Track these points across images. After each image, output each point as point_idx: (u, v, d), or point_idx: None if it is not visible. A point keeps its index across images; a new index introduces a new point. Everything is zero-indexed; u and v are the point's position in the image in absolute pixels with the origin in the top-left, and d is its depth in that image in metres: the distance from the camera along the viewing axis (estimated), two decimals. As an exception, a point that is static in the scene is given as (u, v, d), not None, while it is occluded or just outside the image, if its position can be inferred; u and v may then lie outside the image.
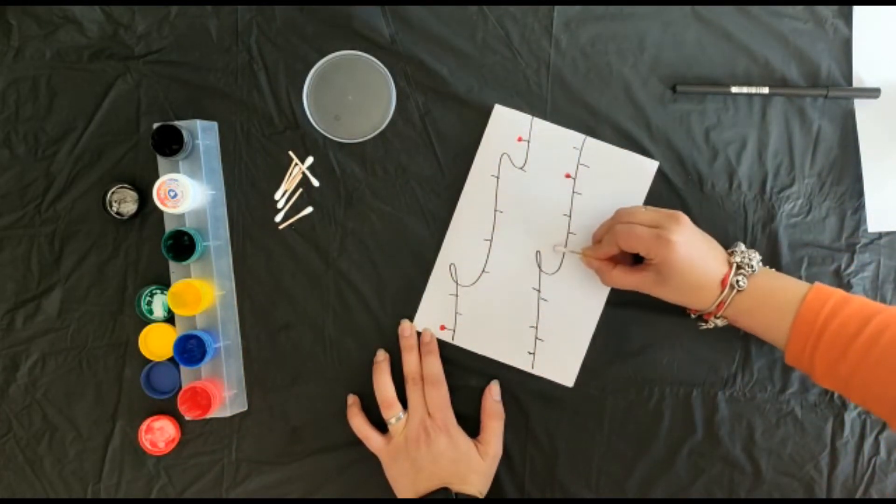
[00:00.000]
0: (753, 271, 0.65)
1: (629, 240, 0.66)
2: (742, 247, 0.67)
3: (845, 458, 0.74)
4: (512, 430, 0.74)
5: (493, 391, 0.73)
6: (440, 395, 0.71)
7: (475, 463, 0.70)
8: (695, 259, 0.64)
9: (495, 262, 0.74)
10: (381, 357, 0.73)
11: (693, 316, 0.71)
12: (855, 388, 0.61)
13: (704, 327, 0.70)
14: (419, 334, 0.74)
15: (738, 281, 0.64)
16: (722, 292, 0.65)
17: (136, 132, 0.73)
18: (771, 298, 0.65)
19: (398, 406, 0.72)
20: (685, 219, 0.66)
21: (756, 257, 0.66)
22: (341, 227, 0.74)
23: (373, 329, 0.74)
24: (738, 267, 0.65)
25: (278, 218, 0.74)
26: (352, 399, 0.74)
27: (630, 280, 0.68)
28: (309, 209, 0.74)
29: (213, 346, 0.70)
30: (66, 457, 0.74)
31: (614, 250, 0.68)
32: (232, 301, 0.74)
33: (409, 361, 0.73)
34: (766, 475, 0.74)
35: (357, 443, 0.74)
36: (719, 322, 0.68)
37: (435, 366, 0.72)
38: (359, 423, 0.73)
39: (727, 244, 0.73)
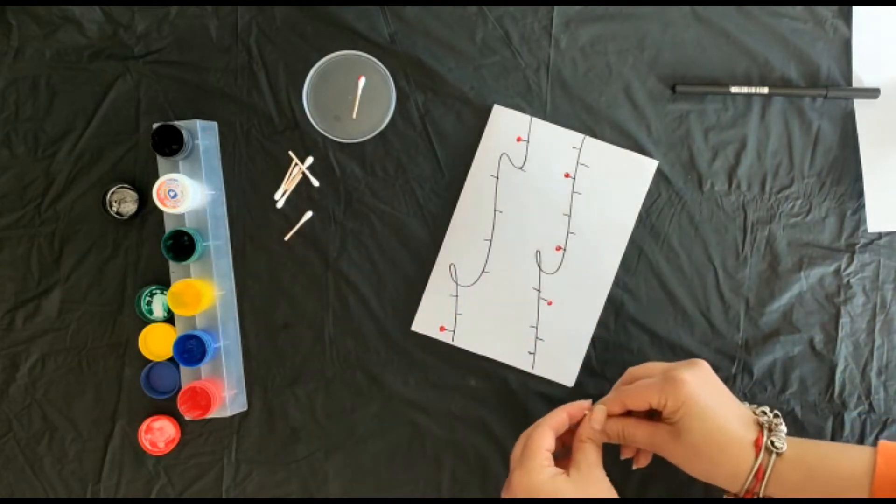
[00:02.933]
0: (783, 431, 0.54)
1: (635, 392, 0.57)
2: (765, 407, 0.58)
3: (845, 458, 0.74)
4: (512, 431, 0.74)
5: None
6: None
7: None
8: (713, 407, 0.54)
9: (495, 262, 0.74)
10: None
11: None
12: None
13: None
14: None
15: (773, 442, 0.53)
16: (758, 456, 0.53)
17: (136, 132, 0.73)
18: (829, 463, 0.53)
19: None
20: (702, 362, 0.58)
21: (783, 426, 0.56)
22: (341, 227, 0.74)
23: (373, 329, 0.74)
24: (770, 427, 0.55)
25: (282, 230, 0.74)
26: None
27: (643, 432, 0.58)
28: (309, 213, 0.74)
29: (212, 346, 0.70)
30: (65, 457, 0.74)
31: (619, 410, 0.59)
32: (232, 301, 0.74)
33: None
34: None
35: (357, 442, 0.74)
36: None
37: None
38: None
39: (726, 245, 0.73)
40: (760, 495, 0.53)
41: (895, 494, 0.50)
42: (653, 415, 0.60)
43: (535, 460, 0.57)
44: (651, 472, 0.74)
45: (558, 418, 0.61)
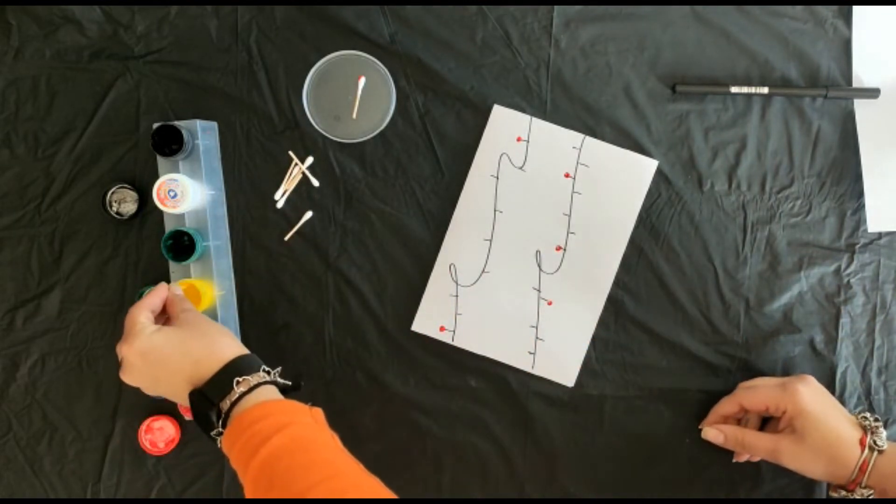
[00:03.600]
0: (882, 431, 0.63)
1: (753, 396, 0.66)
2: (867, 413, 0.66)
3: (845, 458, 0.74)
4: (512, 431, 0.74)
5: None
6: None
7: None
8: (827, 412, 0.63)
9: (495, 262, 0.74)
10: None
11: (835, 495, 0.66)
12: None
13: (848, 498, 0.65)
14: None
15: (875, 441, 0.62)
16: (863, 452, 0.62)
17: (136, 132, 0.73)
18: None
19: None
20: (811, 377, 0.66)
21: (882, 428, 0.64)
22: (341, 227, 0.74)
23: (373, 329, 0.74)
24: (874, 428, 0.63)
25: (282, 230, 0.74)
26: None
27: (765, 442, 0.66)
28: (309, 213, 0.74)
29: (212, 346, 0.70)
30: (65, 457, 0.74)
31: (734, 409, 0.68)
32: (232, 301, 0.74)
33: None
34: (765, 475, 0.74)
35: (357, 442, 0.74)
36: (865, 492, 0.63)
37: None
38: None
39: (726, 245, 0.73)
40: (863, 485, 0.62)
41: None
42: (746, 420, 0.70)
43: (135, 328, 0.62)
44: (651, 473, 0.74)
45: (155, 299, 0.65)
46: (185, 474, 0.74)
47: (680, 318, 0.74)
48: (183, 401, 0.61)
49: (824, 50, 0.73)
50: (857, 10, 0.73)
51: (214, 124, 0.73)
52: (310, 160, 0.74)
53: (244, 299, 0.74)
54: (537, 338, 0.74)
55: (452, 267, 0.74)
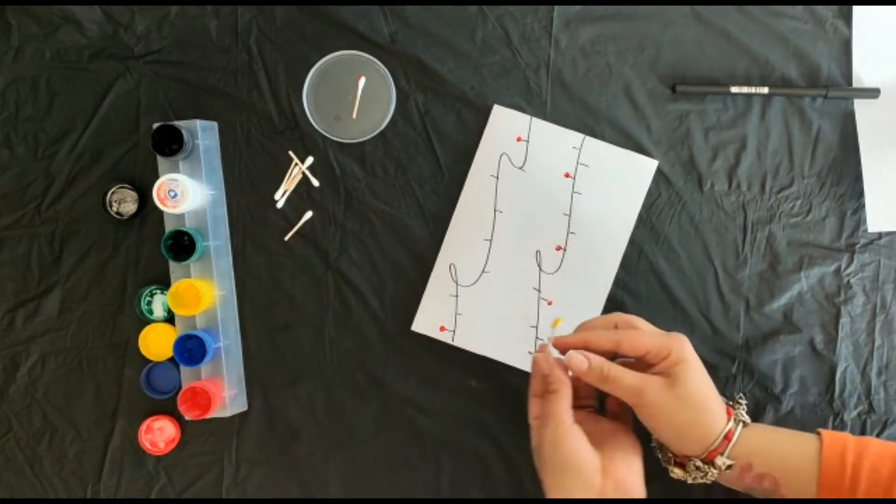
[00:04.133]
0: (744, 408, 0.61)
1: (639, 337, 0.59)
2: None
3: (845, 458, 0.74)
4: (512, 430, 0.74)
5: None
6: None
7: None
8: (704, 371, 0.59)
9: (495, 262, 0.74)
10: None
11: (675, 463, 0.62)
12: None
13: (685, 475, 0.61)
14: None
15: (741, 412, 0.60)
16: (729, 421, 0.59)
17: (136, 132, 0.73)
18: (781, 441, 0.60)
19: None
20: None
21: (744, 407, 0.62)
22: (341, 227, 0.74)
23: (373, 329, 0.74)
24: (736, 402, 0.62)
25: (282, 229, 0.74)
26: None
27: (630, 379, 0.58)
28: (309, 213, 0.74)
29: (213, 346, 0.70)
30: (65, 457, 0.74)
31: (607, 345, 0.60)
32: (232, 301, 0.74)
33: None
34: (765, 475, 0.74)
35: (357, 442, 0.74)
36: (723, 463, 0.58)
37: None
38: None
39: (726, 245, 0.73)
40: (724, 455, 0.58)
41: (840, 482, 0.56)
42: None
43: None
44: (651, 472, 0.74)
45: (535, 385, 0.62)
46: (185, 474, 0.75)
47: (680, 318, 0.74)
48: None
49: (824, 50, 0.73)
50: (857, 10, 0.73)
51: (214, 124, 0.74)
52: (310, 160, 0.74)
53: (244, 299, 0.74)
54: (537, 338, 0.74)
55: (452, 267, 0.74)
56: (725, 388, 0.73)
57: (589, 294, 0.73)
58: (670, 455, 0.63)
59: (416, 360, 0.74)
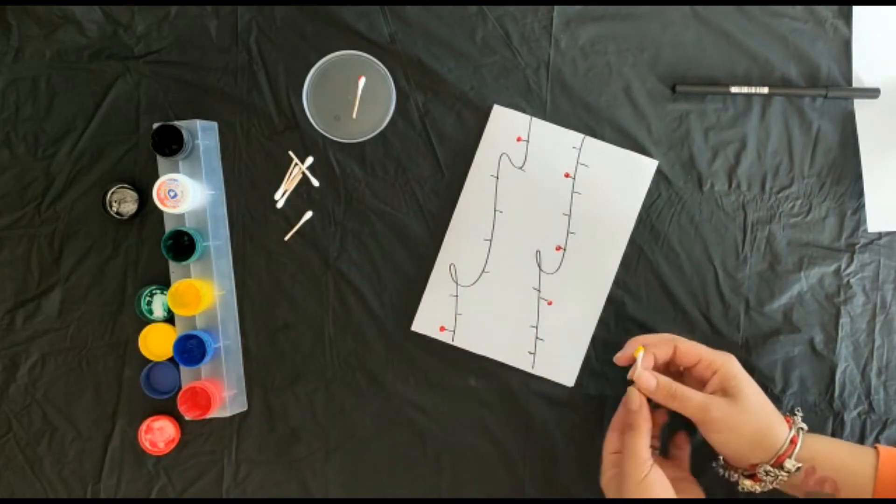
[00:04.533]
0: (799, 418, 0.63)
1: (691, 345, 0.63)
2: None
3: (845, 458, 0.74)
4: (512, 431, 0.74)
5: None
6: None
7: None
8: (756, 385, 0.63)
9: (495, 261, 0.74)
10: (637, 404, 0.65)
11: (743, 473, 0.64)
12: None
13: (756, 485, 0.64)
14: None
15: (799, 420, 0.63)
16: (791, 428, 0.62)
17: (136, 132, 0.73)
18: (840, 447, 0.63)
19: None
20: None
21: (800, 414, 0.65)
22: (341, 227, 0.74)
23: (373, 329, 0.74)
24: (793, 414, 0.64)
25: (282, 229, 0.74)
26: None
27: (697, 398, 0.62)
28: (309, 213, 0.74)
29: (212, 346, 0.70)
30: (65, 457, 0.74)
31: (667, 351, 0.64)
32: (232, 301, 0.74)
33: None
34: (765, 475, 0.74)
35: (357, 442, 0.74)
36: (792, 466, 0.61)
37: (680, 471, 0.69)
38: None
39: (726, 245, 0.73)
40: (792, 458, 0.61)
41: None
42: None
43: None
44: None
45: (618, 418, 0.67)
46: (185, 474, 0.75)
47: (680, 318, 0.74)
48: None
49: (824, 50, 0.73)
50: (857, 10, 0.73)
51: (214, 124, 0.74)
52: (310, 160, 0.74)
53: (244, 299, 0.74)
54: (537, 338, 0.74)
55: (452, 267, 0.74)
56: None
57: (589, 294, 0.73)
58: (738, 469, 0.66)
59: (416, 360, 0.74)
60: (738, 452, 0.63)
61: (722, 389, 0.63)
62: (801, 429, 0.63)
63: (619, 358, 0.66)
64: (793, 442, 0.61)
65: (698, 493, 0.66)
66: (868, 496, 0.59)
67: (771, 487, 0.64)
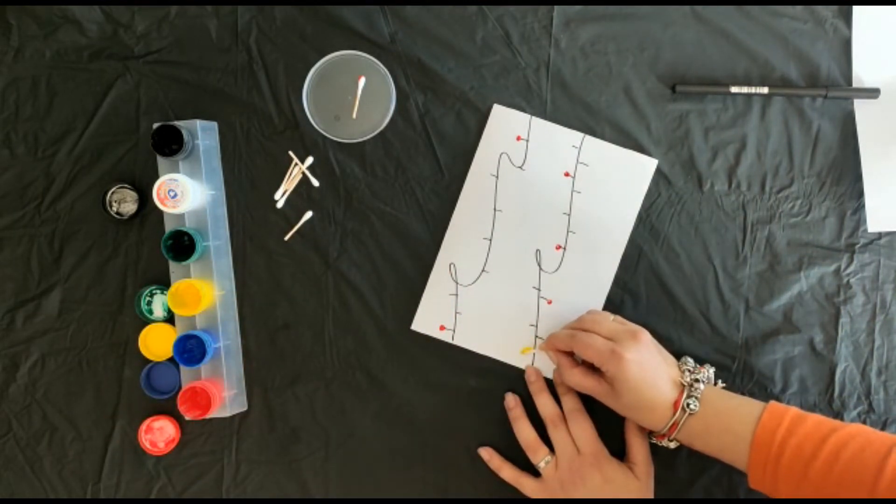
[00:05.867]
0: (699, 391, 0.64)
1: (585, 349, 0.67)
2: (690, 363, 0.68)
3: (845, 457, 0.74)
4: (512, 431, 0.74)
5: None
6: (585, 429, 0.70)
7: (633, 487, 0.69)
8: (647, 380, 0.64)
9: (495, 261, 0.74)
10: (513, 403, 0.73)
11: (650, 436, 0.70)
12: (824, 494, 0.59)
13: (658, 444, 0.69)
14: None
15: (688, 404, 0.64)
16: (674, 414, 0.64)
17: (136, 132, 0.73)
18: (725, 420, 0.64)
19: (544, 448, 0.71)
20: (645, 337, 0.66)
21: (705, 374, 0.67)
22: (341, 227, 0.74)
23: (373, 329, 0.74)
24: (690, 388, 0.65)
25: (282, 228, 0.74)
26: (488, 453, 0.73)
27: (586, 383, 0.68)
28: (309, 213, 0.74)
29: (212, 346, 0.70)
30: (65, 457, 0.74)
31: (565, 346, 0.69)
32: (232, 301, 0.74)
33: (545, 403, 0.72)
34: (766, 475, 0.74)
35: (357, 442, 0.74)
36: (671, 444, 0.68)
37: (574, 402, 0.72)
38: (510, 472, 0.72)
39: (726, 245, 0.73)
40: (671, 439, 0.66)
41: (771, 448, 0.60)
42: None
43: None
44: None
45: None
46: (185, 474, 0.75)
47: (679, 317, 0.74)
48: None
49: (824, 50, 0.73)
50: (857, 10, 0.73)
51: (214, 124, 0.74)
52: (310, 160, 0.74)
53: (244, 299, 0.74)
54: (537, 337, 0.74)
55: (452, 266, 0.74)
56: (726, 387, 0.73)
57: (588, 293, 0.73)
58: None
59: (416, 360, 0.74)
60: (626, 415, 0.68)
61: (609, 380, 0.66)
62: (689, 412, 0.64)
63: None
64: (671, 428, 0.65)
65: (587, 422, 0.71)
66: (745, 463, 0.62)
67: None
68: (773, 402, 0.63)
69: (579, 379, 0.68)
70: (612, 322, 0.69)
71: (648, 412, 0.65)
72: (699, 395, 0.64)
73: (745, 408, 0.64)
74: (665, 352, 0.68)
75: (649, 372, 0.64)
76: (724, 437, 0.63)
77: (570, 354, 0.71)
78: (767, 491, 0.62)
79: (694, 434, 0.64)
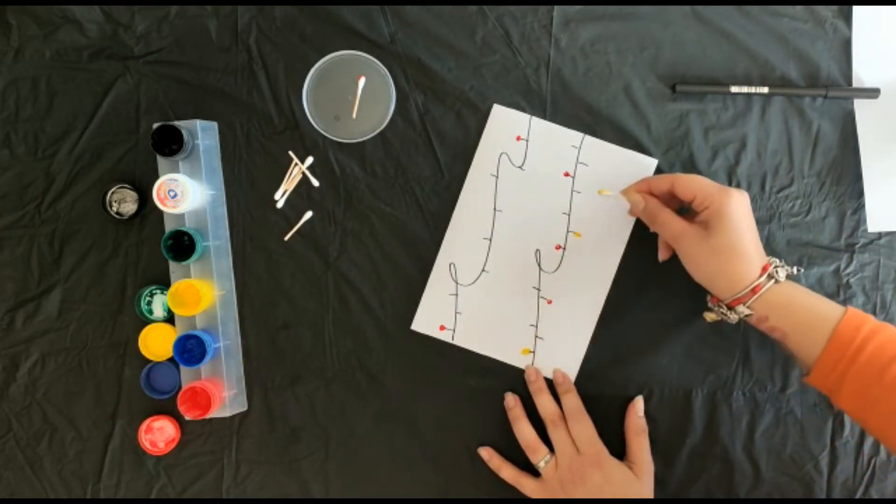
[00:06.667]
0: (784, 274, 0.63)
1: (690, 183, 0.64)
2: (776, 260, 0.65)
3: (845, 458, 0.74)
4: (511, 430, 0.74)
5: (638, 407, 0.73)
6: (585, 429, 0.70)
7: (633, 486, 0.69)
8: (748, 225, 0.63)
9: (495, 261, 0.74)
10: (513, 402, 0.73)
11: (711, 305, 0.68)
12: (881, 413, 0.59)
13: (715, 317, 0.67)
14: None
15: (777, 270, 0.63)
16: (760, 276, 0.62)
17: (136, 132, 0.73)
18: (808, 301, 0.63)
19: (544, 448, 0.71)
20: (747, 195, 0.65)
21: (786, 269, 0.64)
22: (341, 227, 0.74)
23: (373, 329, 0.74)
24: (775, 267, 0.63)
25: (281, 228, 0.74)
26: (488, 453, 0.73)
27: (676, 223, 0.65)
28: (309, 213, 0.74)
29: (212, 346, 0.70)
30: (65, 457, 0.74)
31: (665, 186, 0.66)
32: (232, 301, 0.74)
33: (545, 403, 0.72)
34: (765, 475, 0.74)
35: (357, 442, 0.74)
36: (736, 316, 0.65)
37: (574, 401, 0.72)
38: (510, 472, 0.72)
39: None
40: (747, 304, 0.63)
41: (851, 345, 0.59)
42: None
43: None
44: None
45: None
46: (185, 474, 0.75)
47: (680, 317, 0.74)
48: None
49: (824, 50, 0.73)
50: (857, 10, 0.73)
51: (214, 124, 0.74)
52: (310, 160, 0.74)
53: (244, 299, 0.74)
54: (537, 337, 0.74)
55: (452, 266, 0.74)
56: (724, 387, 0.73)
57: (588, 293, 0.73)
58: (707, 297, 0.69)
59: (416, 360, 0.74)
60: (703, 283, 0.65)
61: (704, 222, 0.64)
62: (775, 279, 0.62)
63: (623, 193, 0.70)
64: (754, 290, 0.62)
65: (587, 422, 0.71)
66: (818, 350, 0.61)
67: (727, 320, 0.66)
68: (851, 308, 0.62)
69: (668, 217, 0.66)
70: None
71: (736, 261, 0.62)
72: (784, 275, 0.63)
73: (826, 303, 0.63)
74: None
75: (749, 223, 0.63)
76: (806, 314, 0.62)
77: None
78: (827, 389, 0.62)
79: (774, 304, 0.62)
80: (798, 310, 0.63)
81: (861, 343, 0.59)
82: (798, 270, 0.67)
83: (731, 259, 0.62)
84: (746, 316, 0.64)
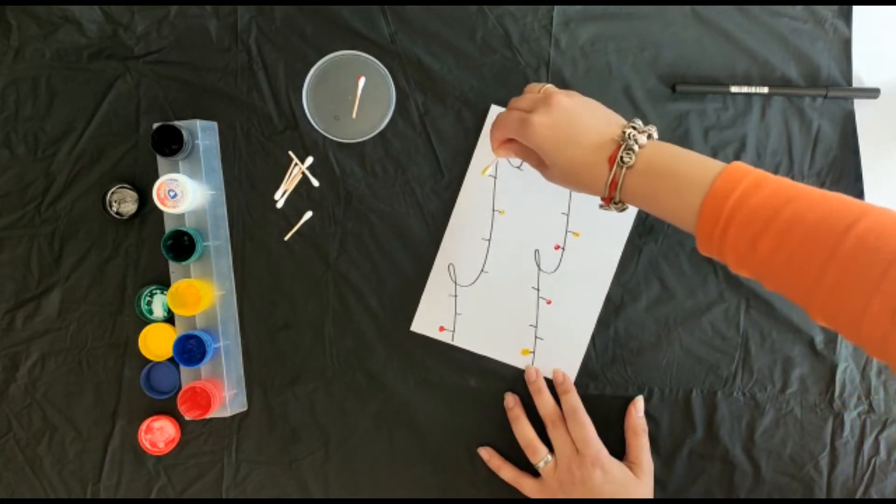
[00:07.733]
0: (638, 145, 0.57)
1: (497, 127, 0.63)
2: (638, 122, 0.59)
3: (845, 458, 0.74)
4: (511, 430, 0.74)
5: (638, 407, 0.73)
6: (585, 429, 0.70)
7: (633, 486, 0.69)
8: (561, 139, 0.59)
9: (494, 261, 0.74)
10: (513, 403, 0.73)
11: (602, 205, 0.62)
12: (774, 271, 0.52)
13: (607, 209, 0.62)
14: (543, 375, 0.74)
15: (622, 157, 0.57)
16: (611, 170, 0.57)
17: (136, 132, 0.73)
18: (670, 184, 0.56)
19: (543, 448, 0.71)
20: (557, 98, 0.60)
21: (649, 130, 0.59)
22: (341, 227, 0.74)
23: (373, 329, 0.74)
24: (626, 142, 0.57)
25: (281, 227, 0.74)
26: (488, 453, 0.74)
27: (517, 150, 0.64)
28: (309, 213, 0.74)
29: (212, 346, 0.70)
30: (65, 457, 0.75)
31: (501, 136, 0.64)
32: (232, 301, 0.74)
33: (545, 403, 0.72)
34: (765, 475, 0.74)
35: (358, 442, 0.74)
36: (620, 209, 0.60)
37: (574, 401, 0.71)
38: (510, 472, 0.72)
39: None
40: (616, 200, 0.59)
41: (725, 206, 0.52)
42: None
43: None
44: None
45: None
46: (185, 474, 0.75)
47: (679, 317, 0.74)
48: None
49: (824, 50, 0.73)
50: (857, 10, 0.73)
51: (214, 124, 0.74)
52: (310, 160, 0.74)
53: (244, 299, 0.74)
54: (536, 337, 0.74)
55: (451, 267, 0.74)
56: (724, 387, 0.73)
57: (588, 293, 0.73)
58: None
59: (416, 360, 0.74)
60: (569, 188, 0.63)
61: (536, 155, 0.62)
62: (626, 166, 0.57)
63: None
64: (611, 187, 0.58)
65: (587, 422, 0.70)
66: (692, 230, 0.55)
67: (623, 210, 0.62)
68: (734, 163, 0.54)
69: (522, 151, 0.64)
70: (535, 94, 0.63)
71: (582, 173, 0.59)
72: (636, 149, 0.57)
73: (698, 171, 0.55)
74: (602, 110, 0.61)
75: (565, 130, 0.59)
76: (670, 200, 0.56)
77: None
78: (715, 253, 0.55)
79: (637, 194, 0.58)
80: (662, 193, 0.57)
81: (735, 203, 0.52)
82: (652, 130, 0.59)
83: (576, 176, 0.60)
84: (623, 209, 0.60)
